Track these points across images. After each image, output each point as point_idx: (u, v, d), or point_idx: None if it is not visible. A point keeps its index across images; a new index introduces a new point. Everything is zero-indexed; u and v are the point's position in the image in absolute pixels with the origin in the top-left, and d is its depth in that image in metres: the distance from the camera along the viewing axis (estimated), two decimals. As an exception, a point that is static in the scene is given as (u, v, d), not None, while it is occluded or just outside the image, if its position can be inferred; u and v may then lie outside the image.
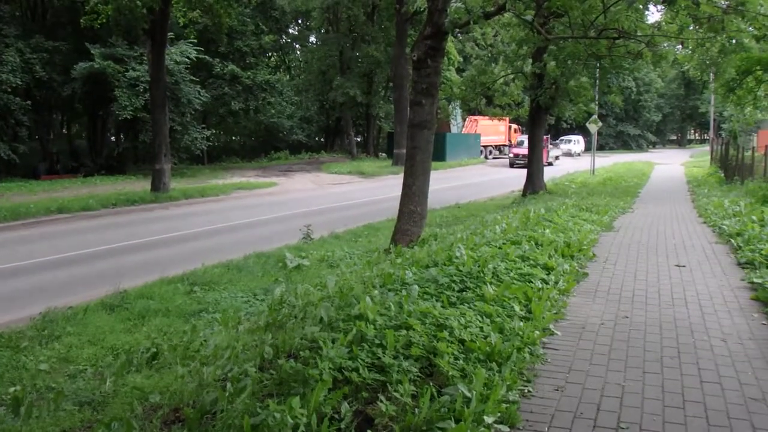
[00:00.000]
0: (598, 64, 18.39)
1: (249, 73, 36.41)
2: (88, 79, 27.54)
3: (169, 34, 24.63)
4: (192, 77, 30.24)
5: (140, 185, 23.74)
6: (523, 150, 36.12)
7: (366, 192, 25.44)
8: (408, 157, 11.53)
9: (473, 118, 48.91)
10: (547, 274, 7.35)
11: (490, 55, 23.61)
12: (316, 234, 14.36)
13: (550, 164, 38.11)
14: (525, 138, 37.48)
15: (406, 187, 11.45)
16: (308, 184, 28.41)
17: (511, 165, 40.02)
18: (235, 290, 9.96)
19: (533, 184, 21.42)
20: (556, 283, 7.17)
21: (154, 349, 6.33)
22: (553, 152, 43.34)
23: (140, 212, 19.02)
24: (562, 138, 60.02)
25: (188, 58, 29.55)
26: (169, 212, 19.44)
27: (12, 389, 6.10)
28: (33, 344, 7.61)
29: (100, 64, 26.79)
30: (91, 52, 27.15)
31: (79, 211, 18.04)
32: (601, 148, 68.77)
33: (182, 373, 4.77)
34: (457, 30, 20.65)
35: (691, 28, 13.54)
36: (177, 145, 29.18)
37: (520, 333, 5.23)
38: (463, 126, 50.66)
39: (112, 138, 37.37)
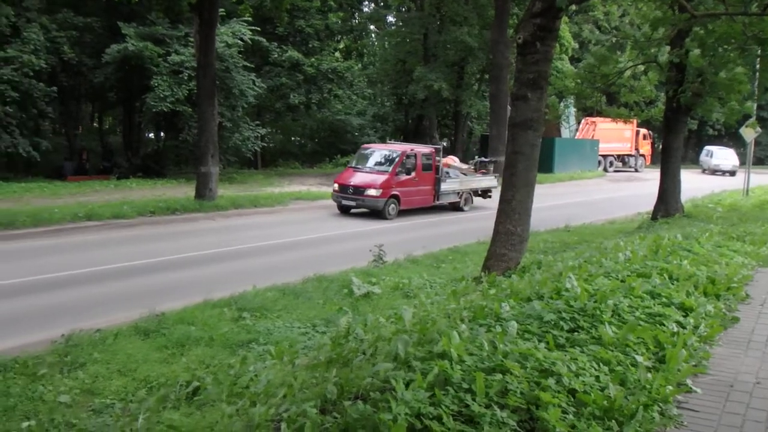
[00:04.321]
0: (759, 51, 17.63)
1: (312, 59, 37.19)
2: (123, 63, 28.71)
3: (219, 10, 25.42)
4: (246, 63, 31.07)
5: (182, 191, 24.70)
6: (362, 178, 22.94)
7: (451, 208, 25.40)
8: (507, 165, 11.53)
9: (590, 119, 48.26)
10: (684, 316, 7.18)
11: (614, 40, 23.32)
12: (389, 256, 14.57)
13: (458, 208, 25.57)
14: (379, 154, 24.26)
15: (504, 202, 11.44)
16: (381, 197, 28.58)
17: (341, 208, 23.46)
18: (291, 319, 10.26)
19: (666, 205, 20.89)
20: (696, 327, 6.98)
21: (196, 383, 6.58)
22: (449, 183, 25.13)
23: (182, 223, 19.76)
24: (707, 149, 57.67)
25: (241, 40, 30.36)
26: (216, 224, 20.20)
27: (26, 424, 6.49)
28: (53, 372, 8.06)
29: (136, 46, 27.80)
30: (123, 31, 28.30)
31: (110, 219, 18.85)
32: (759, 162, 66.02)
33: (229, 412, 4.93)
34: (574, 6, 20.49)
35: None
36: (225, 145, 30.05)
37: (648, 386, 5.14)
38: (577, 130, 50.07)
39: (150, 135, 38.85)
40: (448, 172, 25.33)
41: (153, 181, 28.06)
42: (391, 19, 52.60)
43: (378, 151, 24.64)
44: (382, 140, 50.45)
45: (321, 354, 6.29)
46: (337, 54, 45.35)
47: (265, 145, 36.72)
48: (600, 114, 36.48)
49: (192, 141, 28.60)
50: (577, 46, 47.73)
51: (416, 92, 41.79)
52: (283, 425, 4.22)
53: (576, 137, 49.13)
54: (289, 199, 25.17)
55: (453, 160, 27.84)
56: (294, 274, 13.14)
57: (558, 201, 28.75)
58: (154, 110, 28.36)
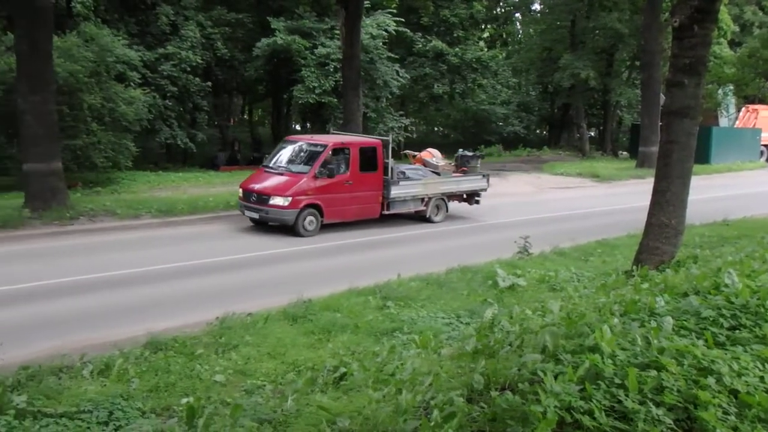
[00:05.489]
0: None
1: (456, 49, 37.14)
2: (271, 56, 29.88)
3: (365, 2, 25.82)
4: (390, 54, 31.46)
5: (326, 181, 25.17)
6: (269, 181, 17.47)
7: (600, 200, 24.79)
8: (661, 155, 11.15)
9: (751, 107, 45.50)
10: None
11: (781, 21, 21.95)
12: (535, 248, 14.44)
13: (425, 219, 19.40)
14: (298, 149, 18.51)
15: (658, 193, 11.09)
16: (526, 187, 28.43)
17: (253, 220, 17.85)
18: (435, 309, 10.39)
19: (838, 198, 19.47)
20: None
21: (342, 369, 6.77)
22: (405, 187, 18.83)
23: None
24: None
25: (386, 31, 30.81)
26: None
27: (185, 400, 6.92)
28: (209, 352, 8.56)
29: (284, 40, 28.87)
30: (273, 26, 29.46)
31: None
32: None
33: (376, 398, 5.04)
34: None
35: None
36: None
37: (820, 391, 4.82)
38: (736, 118, 47.37)
39: (297, 126, 40.14)
40: (403, 172, 19.28)
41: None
42: (536, 6, 51.79)
43: (298, 145, 18.65)
44: (528, 130, 49.67)
45: (467, 344, 6.32)
46: (482, 43, 45.09)
47: (409, 135, 37.04)
48: (762, 101, 34.29)
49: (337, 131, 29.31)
50: (737, 29, 45.03)
51: (562, 80, 40.91)
52: (435, 412, 4.27)
53: (735, 126, 46.49)
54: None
55: (430, 154, 21.78)
56: (444, 264, 13.26)
57: (715, 193, 27.29)
58: (300, 102, 29.30)
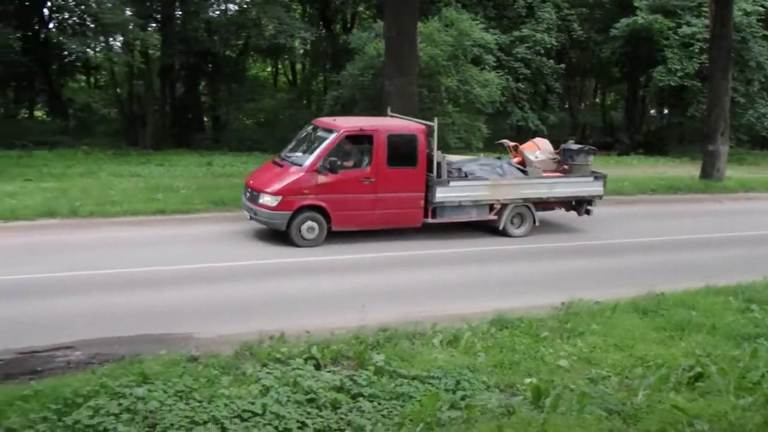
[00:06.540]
0: None
1: None
2: (630, 37, 29.21)
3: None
4: (765, 32, 29.14)
5: (685, 170, 24.17)
6: (266, 175, 14.10)
7: None
8: None
9: None
10: None
11: None
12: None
13: (500, 231, 14.61)
14: (314, 135, 14.61)
15: None
16: None
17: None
18: (812, 316, 9.42)
19: None
20: None
21: (698, 369, 6.44)
22: (458, 188, 14.18)
23: (684, 203, 19.36)
24: None
25: (762, 6, 28.67)
26: (723, 207, 19.51)
27: (528, 380, 7.11)
28: (553, 336, 8.68)
29: (645, 19, 28.02)
30: (635, 4, 28.67)
31: (611, 195, 19.26)
32: None
33: (741, 405, 4.73)
34: None
35: None
36: (736, 123, 28.54)
37: None
38: None
39: (652, 111, 38.64)
40: (459, 169, 14.78)
41: (654, 159, 28.02)
42: None
43: (316, 130, 14.75)
44: None
45: None
46: None
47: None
48: None
49: (699, 118, 27.71)
50: None
51: None
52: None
53: None
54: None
55: (535, 146, 16.27)
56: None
57: None
58: (660, 84, 28.25)
